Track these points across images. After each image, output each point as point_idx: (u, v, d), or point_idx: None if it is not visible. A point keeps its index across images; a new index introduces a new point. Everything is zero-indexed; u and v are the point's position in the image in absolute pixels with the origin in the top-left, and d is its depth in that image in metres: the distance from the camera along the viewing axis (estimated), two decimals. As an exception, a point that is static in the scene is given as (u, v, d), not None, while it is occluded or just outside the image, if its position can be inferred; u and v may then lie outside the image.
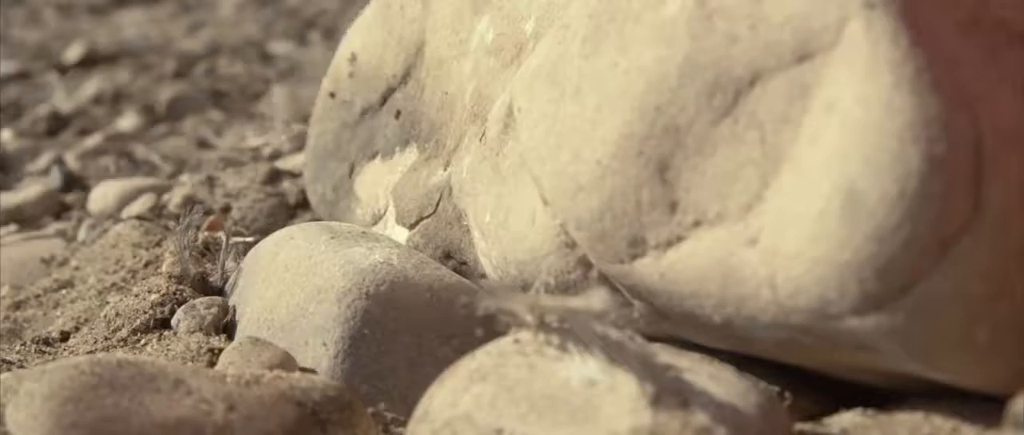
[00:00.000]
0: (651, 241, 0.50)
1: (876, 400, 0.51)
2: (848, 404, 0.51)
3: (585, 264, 0.55)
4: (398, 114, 0.78)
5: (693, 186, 0.49)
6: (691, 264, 0.49)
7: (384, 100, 0.80)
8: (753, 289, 0.46)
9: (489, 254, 0.63)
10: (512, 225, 0.59)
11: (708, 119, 0.48)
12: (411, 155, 0.76)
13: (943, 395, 0.47)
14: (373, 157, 0.80)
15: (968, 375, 0.44)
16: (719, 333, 0.51)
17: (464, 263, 0.68)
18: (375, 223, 0.77)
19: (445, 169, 0.70)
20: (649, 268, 0.51)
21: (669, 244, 0.50)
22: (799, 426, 0.49)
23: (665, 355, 0.45)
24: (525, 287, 0.59)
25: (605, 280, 0.55)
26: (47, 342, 0.74)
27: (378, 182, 0.78)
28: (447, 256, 0.69)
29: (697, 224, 0.49)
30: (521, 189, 0.59)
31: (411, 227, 0.72)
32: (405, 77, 0.78)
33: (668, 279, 0.50)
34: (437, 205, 0.70)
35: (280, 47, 2.21)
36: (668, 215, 0.50)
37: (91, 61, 2.19)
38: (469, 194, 0.65)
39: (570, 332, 0.45)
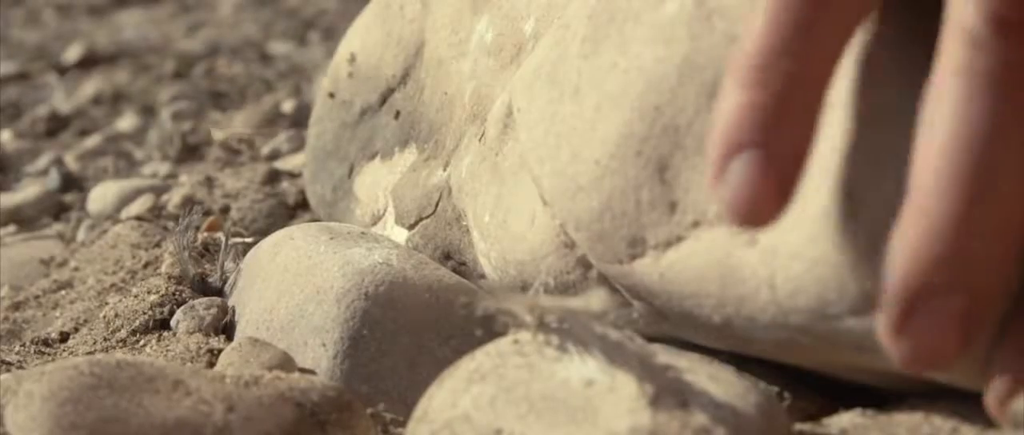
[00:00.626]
0: (650, 241, 0.50)
1: (876, 400, 0.50)
2: (848, 404, 0.51)
3: (585, 264, 0.55)
4: (397, 114, 0.78)
5: (693, 186, 0.49)
6: (690, 264, 0.49)
7: (383, 100, 0.80)
8: (752, 289, 0.46)
9: (488, 254, 0.62)
10: (511, 225, 0.59)
11: (707, 119, 0.48)
12: (410, 155, 0.76)
13: (943, 395, 0.47)
14: (372, 157, 0.80)
15: (968, 375, 0.44)
16: (719, 333, 0.51)
17: (463, 263, 0.68)
18: (374, 224, 0.77)
19: (444, 169, 0.70)
20: (648, 268, 0.50)
21: (668, 244, 0.49)
22: (798, 426, 0.49)
23: (665, 355, 0.45)
24: (524, 287, 0.58)
25: (604, 280, 0.55)
26: (46, 343, 0.74)
27: (377, 183, 0.78)
28: (447, 256, 0.69)
29: (696, 224, 0.49)
30: (521, 189, 0.59)
31: (410, 227, 0.72)
32: (404, 77, 0.78)
33: (667, 279, 0.50)
34: (436, 205, 0.70)
35: (280, 47, 2.21)
36: (667, 215, 0.50)
37: (90, 61, 2.19)
38: (468, 194, 0.65)
39: (569, 332, 0.45)
